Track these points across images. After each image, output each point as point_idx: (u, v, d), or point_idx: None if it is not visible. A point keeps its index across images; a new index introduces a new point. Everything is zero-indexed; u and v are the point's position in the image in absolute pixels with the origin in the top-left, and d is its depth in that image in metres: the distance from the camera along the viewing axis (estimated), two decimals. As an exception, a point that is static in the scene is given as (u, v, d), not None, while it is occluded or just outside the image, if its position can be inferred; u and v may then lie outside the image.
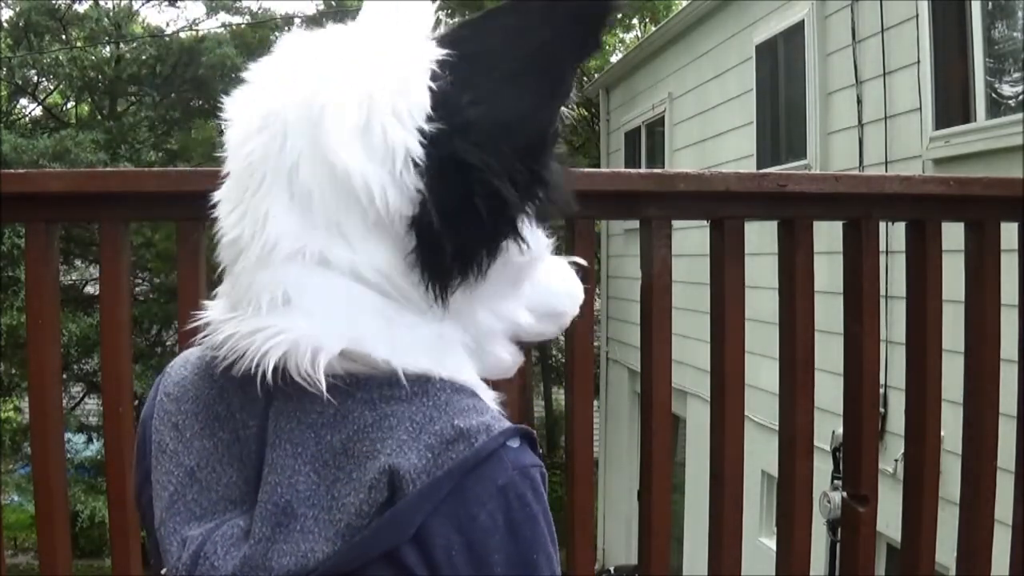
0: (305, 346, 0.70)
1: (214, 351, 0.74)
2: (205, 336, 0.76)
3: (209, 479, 0.76)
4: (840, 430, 1.90)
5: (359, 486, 0.69)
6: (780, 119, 6.83)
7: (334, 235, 0.71)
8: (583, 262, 0.93)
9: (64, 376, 7.59)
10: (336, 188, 0.70)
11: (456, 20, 0.77)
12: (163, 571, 0.74)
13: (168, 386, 0.82)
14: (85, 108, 14.41)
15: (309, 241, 0.71)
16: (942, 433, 1.76)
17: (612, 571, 9.55)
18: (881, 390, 1.85)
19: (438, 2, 0.78)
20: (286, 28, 15.03)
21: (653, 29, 11.60)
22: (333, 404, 0.71)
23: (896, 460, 4.22)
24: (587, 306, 1.74)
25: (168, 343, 12.23)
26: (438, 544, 0.68)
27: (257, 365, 0.70)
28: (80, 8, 12.92)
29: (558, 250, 0.86)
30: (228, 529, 0.73)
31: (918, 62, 5.03)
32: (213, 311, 0.77)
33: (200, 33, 13.52)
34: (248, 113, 0.75)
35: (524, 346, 0.85)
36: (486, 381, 0.80)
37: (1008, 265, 1.77)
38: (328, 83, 0.72)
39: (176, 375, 0.83)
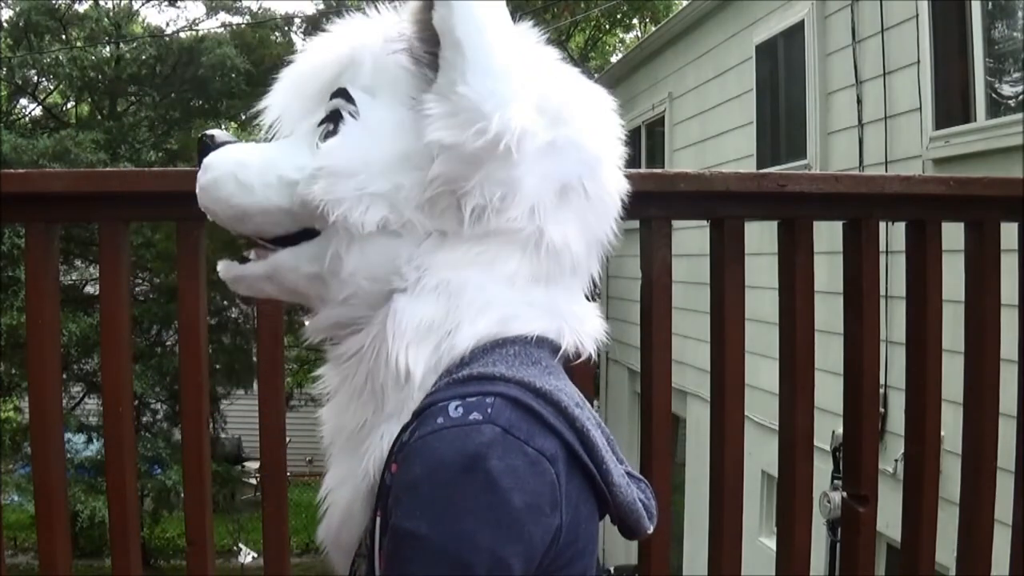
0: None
1: (560, 346, 0.89)
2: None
3: None
4: (840, 430, 1.90)
5: None
6: (780, 119, 6.82)
7: None
8: None
9: (64, 376, 7.59)
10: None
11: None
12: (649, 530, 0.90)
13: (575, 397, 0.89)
14: (85, 108, 14.40)
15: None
16: (942, 433, 1.76)
17: (612, 571, 9.54)
18: (881, 390, 1.85)
19: None
20: (286, 28, 15.05)
21: (653, 29, 11.60)
22: None
23: (896, 460, 4.22)
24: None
25: (168, 343, 12.22)
26: None
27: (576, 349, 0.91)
28: (80, 8, 12.92)
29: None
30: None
31: (918, 62, 5.02)
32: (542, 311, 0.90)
33: (200, 33, 13.52)
34: None
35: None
36: None
37: (1008, 265, 1.77)
38: None
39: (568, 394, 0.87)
